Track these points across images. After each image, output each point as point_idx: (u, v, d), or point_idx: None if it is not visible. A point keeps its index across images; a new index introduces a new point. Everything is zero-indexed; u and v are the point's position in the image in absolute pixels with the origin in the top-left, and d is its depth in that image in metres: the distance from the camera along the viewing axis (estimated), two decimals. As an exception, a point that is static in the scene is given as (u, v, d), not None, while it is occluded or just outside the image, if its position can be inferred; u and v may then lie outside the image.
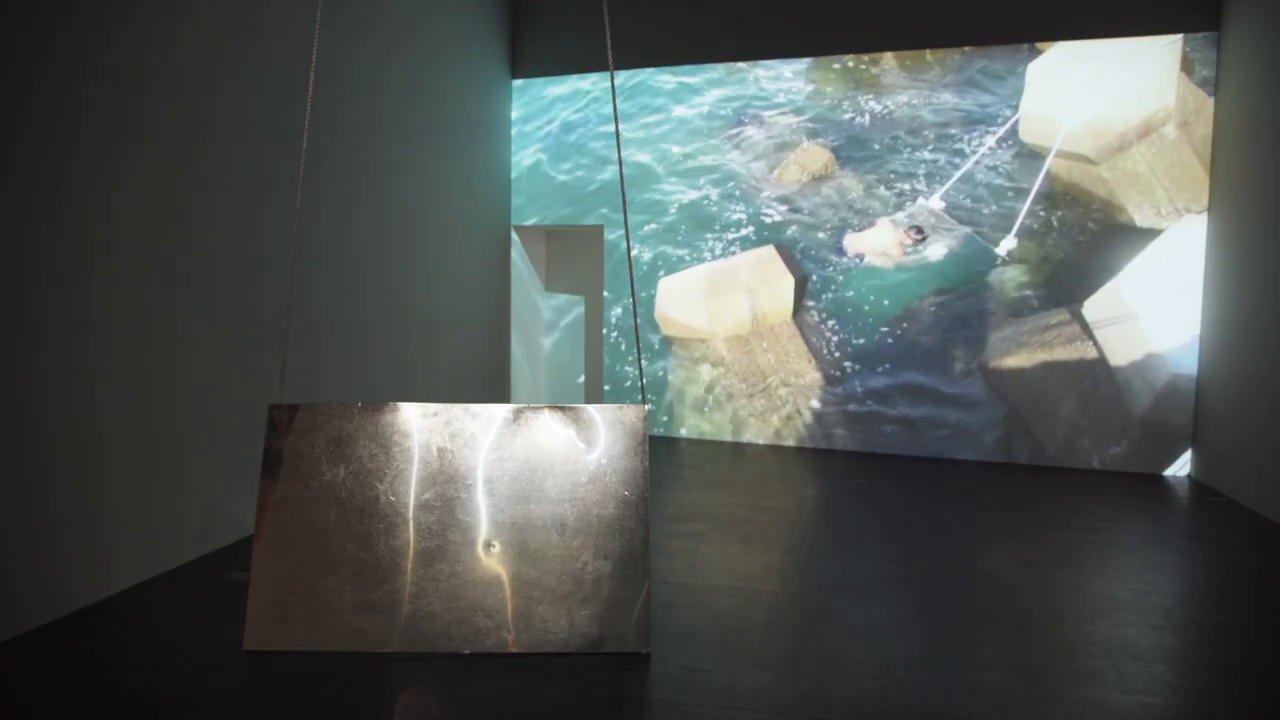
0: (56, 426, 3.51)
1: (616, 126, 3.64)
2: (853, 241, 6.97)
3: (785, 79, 7.11)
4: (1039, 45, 6.48)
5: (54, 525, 3.50)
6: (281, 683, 3.02)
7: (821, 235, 7.07)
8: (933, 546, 4.65)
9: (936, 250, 6.74)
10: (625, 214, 3.63)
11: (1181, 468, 6.37)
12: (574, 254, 8.66)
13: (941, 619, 3.64)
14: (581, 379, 8.70)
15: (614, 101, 3.71)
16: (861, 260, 6.96)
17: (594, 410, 3.39)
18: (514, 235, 8.07)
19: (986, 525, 5.19)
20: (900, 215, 6.82)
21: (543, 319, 8.63)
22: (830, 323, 7.08)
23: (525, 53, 7.89)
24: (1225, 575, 4.32)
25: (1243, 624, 3.63)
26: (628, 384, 7.78)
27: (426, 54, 6.46)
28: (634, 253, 7.57)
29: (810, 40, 7.06)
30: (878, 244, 6.91)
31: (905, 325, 6.89)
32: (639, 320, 7.38)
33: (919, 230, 6.73)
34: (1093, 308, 6.46)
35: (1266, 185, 5.39)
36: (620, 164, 3.63)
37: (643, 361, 7.48)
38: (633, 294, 3.69)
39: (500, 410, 3.40)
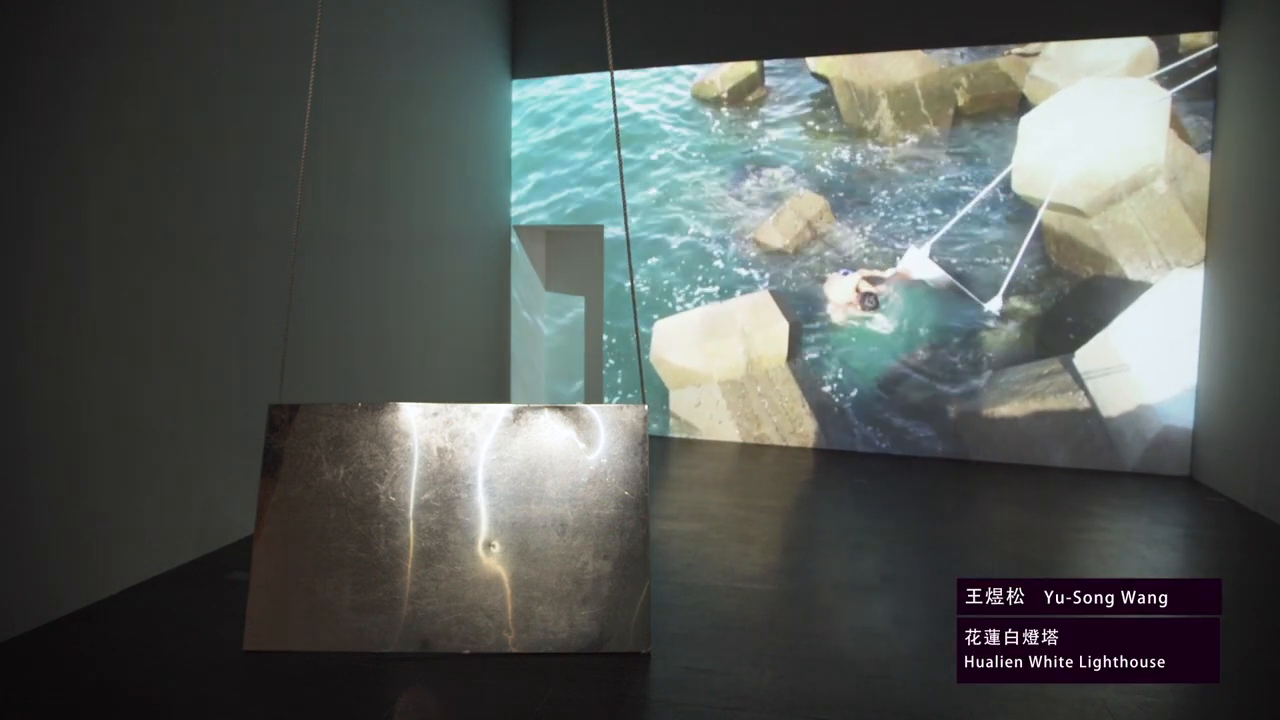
0: (55, 426, 3.51)
1: (616, 127, 3.64)
2: (827, 284, 7.04)
3: (783, 127, 7.13)
4: (1029, 98, 6.47)
5: (53, 525, 3.50)
6: (281, 683, 3.03)
7: (814, 282, 7.12)
8: (932, 546, 4.65)
9: (929, 301, 6.75)
10: (625, 213, 3.63)
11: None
12: (574, 254, 8.66)
13: (941, 619, 3.64)
14: (580, 384, 8.70)
15: (614, 101, 3.71)
16: (826, 305, 7.07)
17: (594, 410, 3.39)
18: (514, 235, 8.07)
19: (987, 525, 5.19)
20: (887, 271, 6.85)
21: (542, 319, 8.63)
22: (824, 369, 7.10)
23: (525, 53, 7.88)
24: (1225, 575, 4.32)
25: (1243, 624, 3.63)
26: (623, 386, 7.78)
27: (426, 54, 6.46)
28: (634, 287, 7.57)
29: (812, 39, 7.05)
30: (836, 296, 7.00)
31: (897, 374, 6.89)
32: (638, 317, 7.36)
33: (871, 298, 6.76)
34: (1084, 358, 6.46)
35: (1267, 183, 5.39)
36: (620, 164, 3.63)
37: (643, 371, 7.48)
38: (632, 292, 3.70)
39: (500, 410, 3.40)
